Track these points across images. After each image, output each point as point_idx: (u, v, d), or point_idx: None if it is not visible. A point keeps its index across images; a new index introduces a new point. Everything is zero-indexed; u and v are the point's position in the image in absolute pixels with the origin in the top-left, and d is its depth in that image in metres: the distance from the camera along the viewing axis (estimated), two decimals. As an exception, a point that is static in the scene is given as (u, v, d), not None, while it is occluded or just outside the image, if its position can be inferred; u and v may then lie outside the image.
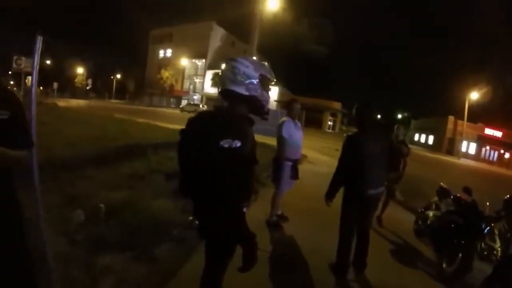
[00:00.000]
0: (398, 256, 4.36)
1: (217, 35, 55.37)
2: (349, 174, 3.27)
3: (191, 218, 3.60)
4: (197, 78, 55.28)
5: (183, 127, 1.73)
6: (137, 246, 3.08)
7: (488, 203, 4.26)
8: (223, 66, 1.83)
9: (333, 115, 47.85)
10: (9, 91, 1.75)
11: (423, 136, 53.34)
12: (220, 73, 1.83)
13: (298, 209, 5.30)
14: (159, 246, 3.23)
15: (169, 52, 60.38)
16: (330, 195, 3.40)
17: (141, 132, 11.27)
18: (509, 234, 3.79)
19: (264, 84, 1.81)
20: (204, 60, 54.33)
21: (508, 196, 4.07)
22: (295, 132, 4.39)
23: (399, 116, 63.87)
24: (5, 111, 1.56)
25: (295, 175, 4.46)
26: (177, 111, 38.50)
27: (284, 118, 4.45)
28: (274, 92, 31.86)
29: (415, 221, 5.15)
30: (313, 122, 38.70)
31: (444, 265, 3.91)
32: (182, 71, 56.48)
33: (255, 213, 4.42)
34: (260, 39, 14.04)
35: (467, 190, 4.39)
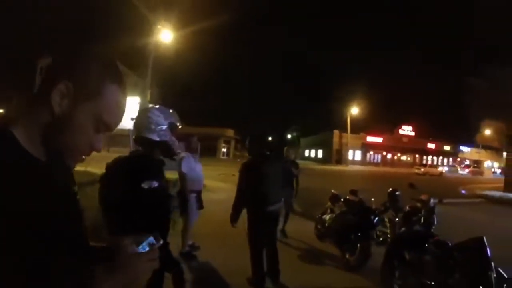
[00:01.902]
0: (307, 258, 5.05)
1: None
2: (249, 197, 3.72)
3: None
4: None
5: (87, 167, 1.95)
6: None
7: (372, 199, 5.30)
8: (136, 114, 2.10)
9: (227, 142, 49.03)
10: None
11: (313, 151, 58.86)
12: (134, 121, 2.06)
13: (207, 235, 5.49)
14: None
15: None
16: (234, 218, 3.82)
17: None
18: (396, 219, 4.66)
19: (173, 130, 2.07)
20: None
21: (390, 189, 5.12)
22: (195, 165, 4.70)
23: (289, 136, 68.46)
24: None
25: (200, 205, 4.78)
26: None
27: (183, 154, 4.65)
28: None
29: (315, 226, 5.98)
30: (207, 150, 39.14)
31: (347, 257, 4.71)
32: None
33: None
34: (154, 71, 14.02)
35: (353, 192, 5.39)
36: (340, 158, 48.13)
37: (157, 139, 1.97)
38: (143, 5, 12.59)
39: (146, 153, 2.03)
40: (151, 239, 0.83)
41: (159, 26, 13.43)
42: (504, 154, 19.71)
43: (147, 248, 0.81)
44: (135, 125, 2.04)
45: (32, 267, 0.60)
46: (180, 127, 2.12)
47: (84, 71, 0.72)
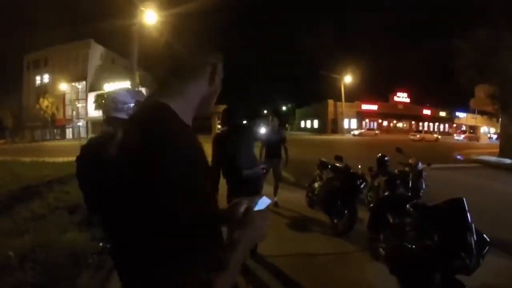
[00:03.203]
0: (296, 227, 5.08)
1: (96, 53, 51.54)
2: (224, 165, 3.66)
3: (101, 244, 3.66)
4: (79, 102, 50.57)
5: (74, 157, 1.93)
6: (57, 282, 3.07)
7: (359, 166, 5.29)
8: (104, 97, 2.10)
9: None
10: None
11: (309, 122, 59.00)
12: (103, 101, 2.08)
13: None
14: (79, 276, 3.25)
15: (46, 78, 53.71)
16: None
17: (30, 172, 10.29)
18: (383, 184, 4.70)
19: None
20: (84, 82, 50.09)
21: (379, 154, 5.10)
22: None
23: (284, 108, 68.19)
24: None
25: None
26: (64, 143, 34.78)
27: None
28: None
29: (306, 194, 6.06)
30: (203, 129, 39.06)
31: (335, 222, 4.73)
32: (63, 96, 50.99)
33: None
34: (141, 54, 13.87)
35: (338, 158, 5.37)
36: (336, 128, 48.23)
37: (126, 117, 2.00)
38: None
39: (116, 132, 2.00)
40: (264, 198, 0.94)
41: (142, 8, 13.35)
42: (499, 119, 19.77)
43: (263, 207, 0.92)
44: (104, 107, 2.12)
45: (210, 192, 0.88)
46: None
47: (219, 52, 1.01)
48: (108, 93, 2.21)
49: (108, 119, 2.09)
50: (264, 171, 4.20)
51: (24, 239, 4.05)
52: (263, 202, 0.92)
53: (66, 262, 3.41)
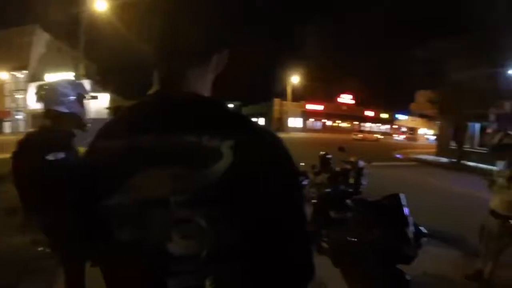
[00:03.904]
0: None
1: (41, 41, 47.60)
2: None
3: (41, 248, 3.49)
4: (19, 93, 46.78)
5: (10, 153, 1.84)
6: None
7: (302, 163, 5.41)
8: (45, 88, 2.04)
9: None
10: None
11: (255, 120, 59.61)
12: (42, 93, 2.00)
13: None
14: (21, 282, 3.12)
15: (-16, 66, 48.66)
16: None
17: None
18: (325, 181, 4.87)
19: (81, 101, 2.09)
20: (26, 72, 46.31)
21: (321, 152, 5.28)
22: None
23: (231, 105, 68.24)
24: None
25: None
26: (1, 137, 31.89)
27: None
28: (105, 99, 30.26)
29: None
30: None
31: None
32: (1, 87, 46.71)
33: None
34: (89, 43, 13.19)
35: None
36: (281, 126, 49.39)
37: (66, 110, 1.99)
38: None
39: (55, 126, 2.01)
40: None
41: None
42: (437, 122, 21.42)
43: None
44: (45, 99, 2.05)
45: None
46: (89, 97, 2.23)
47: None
48: (49, 84, 2.15)
49: (48, 112, 2.02)
50: None
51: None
52: None
53: (6, 269, 3.26)
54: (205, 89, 0.84)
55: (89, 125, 2.19)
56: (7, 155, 1.90)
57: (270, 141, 0.75)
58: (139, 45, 0.84)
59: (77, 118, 2.08)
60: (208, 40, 0.79)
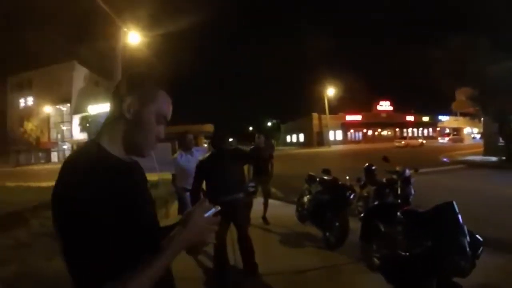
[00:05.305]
0: (288, 243, 5.00)
1: (80, 76, 51.17)
2: (206, 187, 3.71)
3: None
4: (63, 125, 49.96)
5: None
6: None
7: (347, 177, 5.29)
8: (88, 119, 2.08)
9: (207, 137, 49.10)
10: None
11: (294, 136, 59.49)
12: (87, 124, 2.06)
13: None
14: None
15: (30, 100, 52.79)
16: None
17: (14, 197, 10.14)
18: (372, 193, 4.71)
19: None
20: (69, 105, 49.54)
21: (366, 164, 5.12)
22: (187, 163, 4.57)
23: (269, 123, 67.91)
24: None
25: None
26: (49, 166, 34.11)
27: (176, 154, 4.74)
28: None
29: (296, 209, 5.98)
30: None
31: (327, 235, 4.68)
32: (47, 119, 50.21)
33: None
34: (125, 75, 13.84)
35: (325, 171, 5.41)
36: (321, 140, 48.74)
37: None
38: (108, 8, 12.26)
39: None
40: (215, 209, 1.02)
41: (125, 29, 13.24)
42: (482, 119, 20.26)
43: (209, 214, 1.01)
44: (88, 129, 2.07)
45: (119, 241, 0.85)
46: None
47: (141, 87, 1.03)
48: (92, 116, 2.23)
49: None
50: (253, 189, 4.16)
51: (8, 268, 3.92)
52: (214, 211, 1.02)
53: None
54: None
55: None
56: (54, 183, 1.95)
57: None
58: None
59: None
60: None
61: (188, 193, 4.45)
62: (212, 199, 3.56)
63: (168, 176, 4.87)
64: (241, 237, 3.72)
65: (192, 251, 1.05)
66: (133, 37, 13.79)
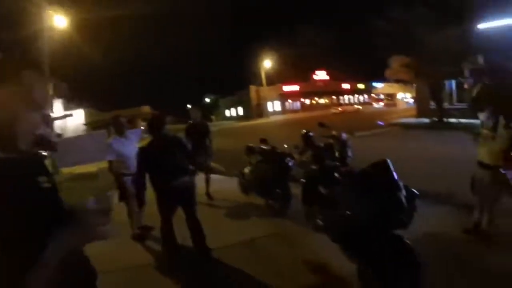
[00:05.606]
0: (232, 215, 5.01)
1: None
2: (150, 174, 3.56)
3: None
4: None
5: None
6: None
7: (285, 145, 5.39)
8: None
9: (145, 119, 47.33)
10: None
11: (234, 110, 59.24)
12: None
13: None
14: None
15: None
16: (140, 196, 4.04)
17: None
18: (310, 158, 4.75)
19: (47, 122, 1.89)
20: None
21: (303, 131, 5.15)
22: (123, 148, 4.35)
23: (208, 100, 66.92)
24: None
25: None
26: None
27: (109, 139, 4.47)
28: (80, 116, 28.55)
29: (238, 182, 5.96)
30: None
31: (271, 203, 4.72)
32: None
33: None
34: (54, 62, 12.57)
35: (263, 141, 5.40)
36: (260, 112, 49.05)
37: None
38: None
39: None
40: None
41: (50, 11, 12.03)
42: (414, 85, 21.61)
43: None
44: None
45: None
46: (50, 115, 1.91)
47: None
48: None
49: None
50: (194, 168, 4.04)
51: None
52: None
53: None
54: None
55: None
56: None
57: None
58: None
59: (44, 140, 1.88)
60: None
61: (126, 178, 4.28)
62: (161, 185, 3.30)
63: (106, 164, 4.54)
64: (189, 219, 3.62)
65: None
66: (60, 20, 12.73)
